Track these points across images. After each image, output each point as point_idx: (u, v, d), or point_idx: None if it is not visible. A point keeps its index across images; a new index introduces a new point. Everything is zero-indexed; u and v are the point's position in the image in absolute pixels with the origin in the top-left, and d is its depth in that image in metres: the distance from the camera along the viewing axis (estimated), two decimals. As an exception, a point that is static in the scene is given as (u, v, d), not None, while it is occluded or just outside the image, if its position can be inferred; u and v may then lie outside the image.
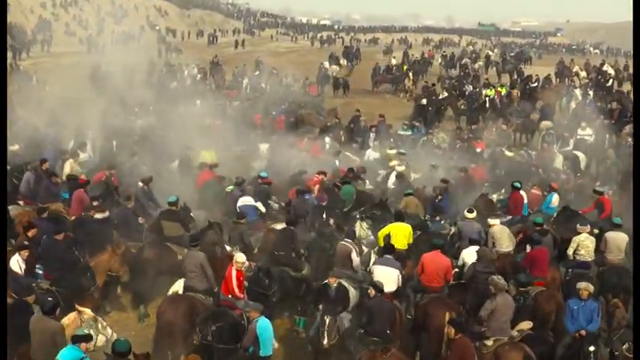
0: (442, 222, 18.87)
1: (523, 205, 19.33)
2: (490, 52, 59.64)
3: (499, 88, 39.01)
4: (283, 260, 15.77)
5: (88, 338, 11.00)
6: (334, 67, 50.10)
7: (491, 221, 17.08)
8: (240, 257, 13.91)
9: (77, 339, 10.82)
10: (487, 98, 36.24)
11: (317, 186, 20.60)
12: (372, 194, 20.78)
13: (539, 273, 15.15)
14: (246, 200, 18.97)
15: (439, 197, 19.79)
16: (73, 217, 17.37)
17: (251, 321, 12.39)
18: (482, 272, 14.19)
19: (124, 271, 15.40)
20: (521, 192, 19.70)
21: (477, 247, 15.42)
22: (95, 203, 17.44)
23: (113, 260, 15.22)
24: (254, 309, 12.47)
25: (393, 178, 22.24)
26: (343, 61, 52.57)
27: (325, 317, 12.90)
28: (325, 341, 12.65)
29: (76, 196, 18.17)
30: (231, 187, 20.06)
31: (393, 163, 23.66)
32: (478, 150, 26.38)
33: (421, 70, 51.06)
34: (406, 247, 16.30)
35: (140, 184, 19.21)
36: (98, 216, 16.66)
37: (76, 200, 18.08)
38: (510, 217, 19.02)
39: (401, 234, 16.36)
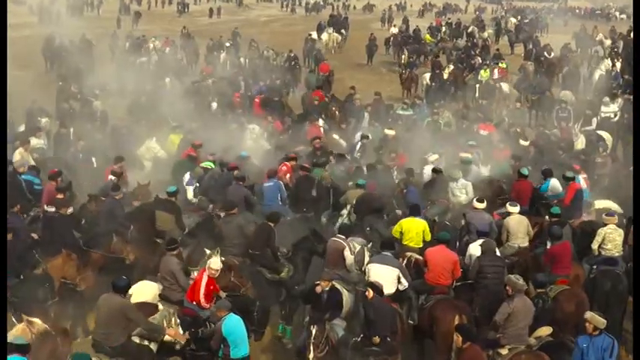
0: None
1: (529, 196, 19.14)
2: (500, 18, 59.62)
3: (500, 65, 38.63)
4: (259, 260, 15.73)
5: (24, 349, 10.85)
6: (324, 37, 50.05)
7: (510, 208, 16.94)
8: (214, 263, 13.81)
9: (13, 348, 10.79)
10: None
11: (288, 175, 20.59)
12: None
13: (562, 271, 15.15)
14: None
15: (404, 190, 19.26)
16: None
17: (217, 320, 12.41)
18: (490, 266, 14.19)
19: (81, 279, 15.09)
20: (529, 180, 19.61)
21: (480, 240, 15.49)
22: (60, 196, 17.19)
23: (68, 266, 14.95)
24: (220, 307, 12.48)
25: (428, 171, 21.14)
26: (331, 31, 52.27)
27: (312, 327, 12.74)
28: (311, 355, 12.44)
29: (45, 190, 18.11)
30: (209, 163, 20.20)
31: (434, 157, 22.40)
32: (483, 133, 25.65)
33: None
34: (421, 246, 16.12)
35: (111, 176, 19.29)
36: (50, 210, 16.59)
37: (45, 194, 17.96)
38: None
39: (414, 231, 16.25)
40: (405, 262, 15.41)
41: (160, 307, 13.45)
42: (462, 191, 19.33)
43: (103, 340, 12.31)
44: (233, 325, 12.25)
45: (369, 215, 17.89)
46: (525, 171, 19.44)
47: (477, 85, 34.74)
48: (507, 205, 17.12)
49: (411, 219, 16.59)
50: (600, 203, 19.41)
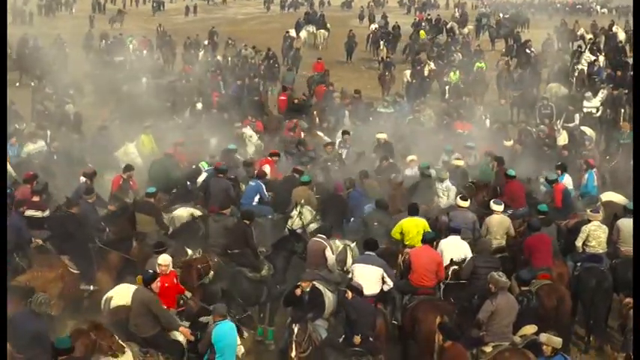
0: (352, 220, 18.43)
1: (524, 196, 19.16)
2: (481, 14, 59.68)
3: (478, 65, 38.03)
4: (238, 259, 15.74)
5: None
6: (303, 34, 49.99)
7: (494, 206, 16.88)
8: (162, 259, 13.83)
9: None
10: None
11: (268, 168, 20.73)
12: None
13: (542, 262, 15.29)
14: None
15: (348, 192, 18.98)
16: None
17: (211, 324, 12.39)
18: (485, 267, 14.16)
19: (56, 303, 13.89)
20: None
21: (457, 237, 15.55)
22: (35, 199, 17.16)
23: (54, 282, 14.55)
24: (217, 312, 12.44)
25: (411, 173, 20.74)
26: (312, 29, 52.24)
27: (293, 326, 12.74)
28: (293, 353, 12.41)
29: (19, 193, 18.01)
30: (204, 163, 20.48)
31: (411, 158, 21.80)
32: (462, 132, 25.63)
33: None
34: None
35: (82, 178, 19.19)
36: (30, 213, 16.51)
37: (20, 197, 17.72)
38: (511, 210, 18.34)
39: (415, 230, 16.18)
40: (402, 258, 15.53)
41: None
42: (444, 193, 19.24)
43: (135, 331, 12.83)
44: (223, 332, 12.17)
45: (336, 216, 17.86)
46: (512, 172, 19.39)
47: (447, 87, 34.08)
48: (492, 203, 17.11)
49: (411, 219, 16.58)
50: (606, 196, 19.55)
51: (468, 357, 12.07)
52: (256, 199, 19.19)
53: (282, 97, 32.03)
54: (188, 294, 14.12)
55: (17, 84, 33.61)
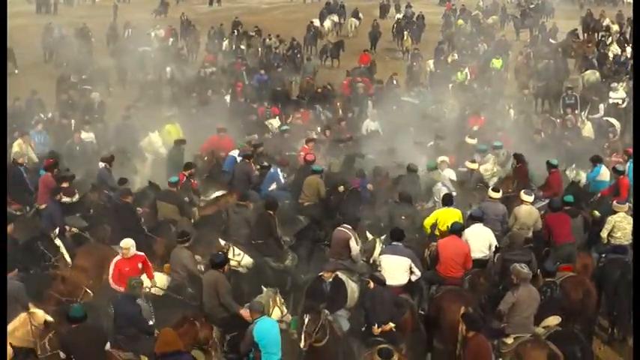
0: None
1: (561, 187, 19.06)
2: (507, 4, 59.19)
3: (493, 62, 36.44)
4: (263, 250, 15.82)
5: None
6: (327, 23, 49.83)
7: (524, 197, 16.76)
8: (123, 242, 13.97)
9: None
10: None
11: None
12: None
13: (564, 238, 15.51)
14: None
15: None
16: (43, 206, 17.38)
17: (251, 322, 12.32)
18: (516, 262, 13.70)
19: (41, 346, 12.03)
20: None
21: (480, 225, 15.54)
22: (65, 185, 17.34)
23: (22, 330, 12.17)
24: (253, 309, 12.35)
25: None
26: (335, 18, 51.99)
27: (305, 317, 12.56)
28: (302, 344, 12.27)
29: (41, 181, 18.14)
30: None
31: (442, 159, 20.65)
32: (474, 128, 24.96)
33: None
34: None
35: (101, 163, 19.39)
36: (66, 200, 16.74)
37: (41, 185, 18.03)
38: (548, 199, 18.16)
39: (450, 221, 16.06)
40: (429, 252, 15.56)
41: (37, 319, 12.13)
42: (436, 195, 18.78)
43: (211, 313, 13.29)
44: (265, 329, 12.05)
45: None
46: (555, 161, 19.35)
47: (450, 85, 32.82)
48: (522, 193, 17.03)
49: (446, 209, 16.61)
50: None
51: (490, 348, 12.07)
52: (274, 185, 19.44)
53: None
54: (158, 278, 14.31)
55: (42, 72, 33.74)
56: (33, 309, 12.28)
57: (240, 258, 15.30)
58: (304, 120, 27.15)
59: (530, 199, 16.81)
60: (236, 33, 44.50)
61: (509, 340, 12.67)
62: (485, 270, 15.33)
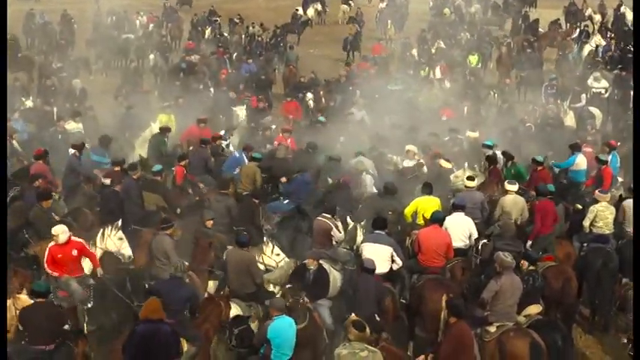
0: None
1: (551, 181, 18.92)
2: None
3: (469, 58, 35.73)
4: None
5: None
6: (310, 11, 49.60)
7: (509, 186, 16.68)
8: (54, 229, 13.88)
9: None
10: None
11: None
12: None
13: (547, 229, 15.59)
14: None
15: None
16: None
17: (269, 319, 12.22)
18: (506, 251, 13.69)
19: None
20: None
21: (461, 214, 15.52)
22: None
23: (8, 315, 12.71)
24: (274, 307, 12.18)
25: None
26: (318, 6, 51.70)
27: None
28: None
29: (34, 168, 17.96)
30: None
31: (408, 148, 20.58)
32: (444, 119, 24.84)
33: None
34: None
35: (71, 150, 19.25)
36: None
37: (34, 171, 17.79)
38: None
39: (430, 209, 16.07)
40: (409, 241, 15.59)
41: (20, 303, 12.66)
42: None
43: (237, 289, 13.75)
44: (281, 328, 11.90)
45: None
46: (540, 157, 19.09)
47: (467, 72, 32.78)
48: (506, 183, 16.99)
49: (426, 198, 16.58)
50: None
51: (472, 335, 12.06)
52: (237, 170, 19.47)
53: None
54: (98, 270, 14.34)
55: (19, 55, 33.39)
56: (18, 294, 12.53)
57: (279, 259, 15.15)
58: (288, 110, 26.98)
59: (515, 188, 16.71)
60: (217, 20, 44.24)
61: (492, 329, 12.63)
62: (466, 259, 15.35)
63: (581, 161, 19.80)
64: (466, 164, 19.71)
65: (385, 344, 12.12)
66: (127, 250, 15.00)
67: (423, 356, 12.10)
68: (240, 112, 25.61)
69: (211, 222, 15.41)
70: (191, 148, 21.18)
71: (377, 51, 37.36)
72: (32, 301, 12.07)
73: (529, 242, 15.72)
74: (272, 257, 15.13)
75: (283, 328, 11.88)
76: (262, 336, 11.99)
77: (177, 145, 21.63)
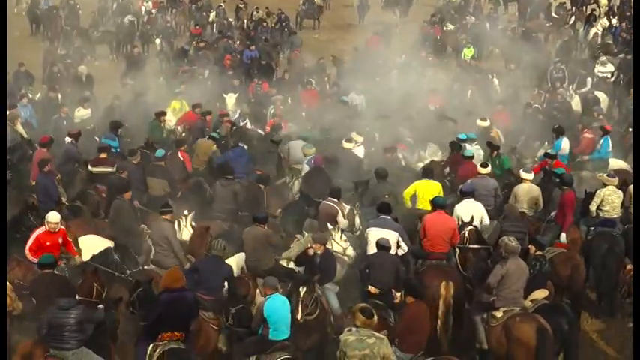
0: None
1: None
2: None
3: (464, 52, 34.72)
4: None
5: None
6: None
7: (524, 175, 16.61)
8: (51, 217, 13.89)
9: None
10: None
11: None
12: None
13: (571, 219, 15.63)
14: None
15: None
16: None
17: (262, 297, 12.29)
18: (512, 232, 13.90)
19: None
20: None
21: (471, 200, 15.47)
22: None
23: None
24: (267, 285, 12.21)
25: None
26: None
27: (300, 288, 12.62)
28: (299, 315, 12.32)
29: (36, 157, 17.82)
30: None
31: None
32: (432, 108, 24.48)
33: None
34: None
35: (68, 139, 19.18)
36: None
37: (36, 162, 17.64)
38: None
39: (429, 194, 16.00)
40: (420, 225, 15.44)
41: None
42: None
43: (255, 266, 14.02)
44: (276, 306, 11.92)
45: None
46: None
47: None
48: (521, 171, 16.91)
49: (426, 181, 16.49)
50: (615, 163, 19.52)
51: (428, 316, 12.07)
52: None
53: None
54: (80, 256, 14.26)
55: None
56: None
57: (346, 245, 15.11)
58: (307, 97, 26.38)
59: (530, 177, 16.62)
60: (221, 6, 44.09)
61: (499, 314, 12.60)
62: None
63: (565, 146, 19.80)
64: (427, 149, 20.00)
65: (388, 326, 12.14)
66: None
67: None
68: (230, 99, 25.30)
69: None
70: (183, 133, 21.36)
71: (373, 43, 35.91)
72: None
73: (562, 235, 15.60)
74: (340, 243, 15.07)
75: (277, 306, 11.95)
76: (259, 315, 12.04)
77: (171, 131, 21.69)
